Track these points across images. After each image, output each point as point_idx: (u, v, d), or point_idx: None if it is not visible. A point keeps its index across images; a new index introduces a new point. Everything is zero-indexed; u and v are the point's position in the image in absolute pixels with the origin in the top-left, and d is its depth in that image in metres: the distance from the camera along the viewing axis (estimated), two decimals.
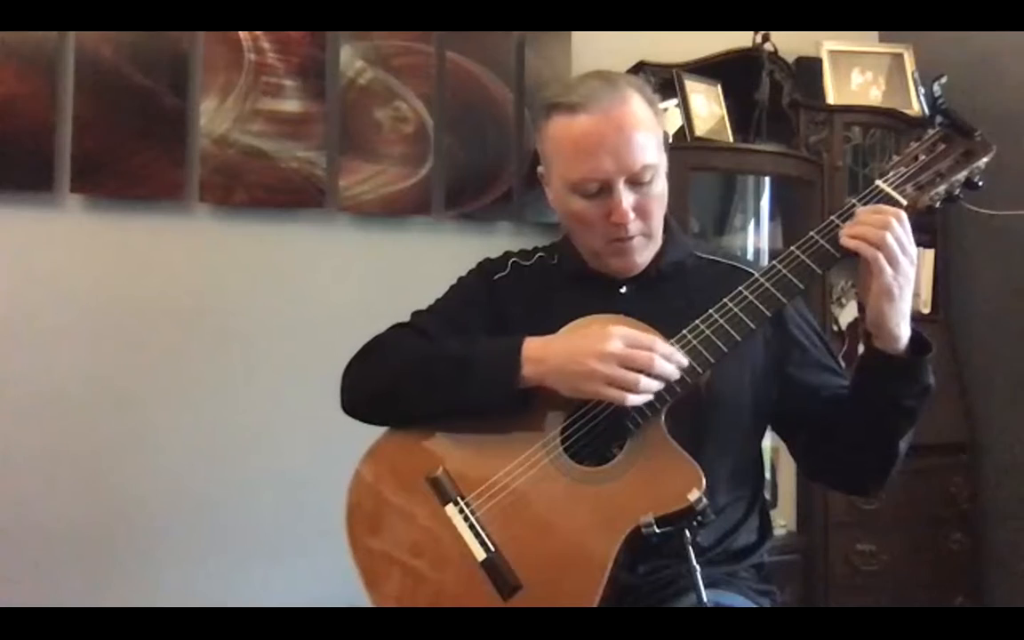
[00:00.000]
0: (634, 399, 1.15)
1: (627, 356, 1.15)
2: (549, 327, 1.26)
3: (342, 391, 1.36)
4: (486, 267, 1.44)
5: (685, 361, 1.17)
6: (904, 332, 1.18)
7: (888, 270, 1.14)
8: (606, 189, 1.26)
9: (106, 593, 2.05)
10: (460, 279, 1.46)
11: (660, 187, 1.30)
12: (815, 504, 2.48)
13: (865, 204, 1.20)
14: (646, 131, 1.27)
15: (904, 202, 1.19)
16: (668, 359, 1.16)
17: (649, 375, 1.15)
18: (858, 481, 1.37)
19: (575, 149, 1.27)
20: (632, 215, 1.27)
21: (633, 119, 1.26)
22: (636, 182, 1.26)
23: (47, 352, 2.04)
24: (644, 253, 1.32)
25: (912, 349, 1.19)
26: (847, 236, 1.17)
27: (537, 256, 1.44)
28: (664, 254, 1.36)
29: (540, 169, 1.38)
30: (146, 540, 2.12)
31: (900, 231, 1.15)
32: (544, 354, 1.21)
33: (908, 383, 1.20)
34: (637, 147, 1.25)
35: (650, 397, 1.16)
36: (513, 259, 1.43)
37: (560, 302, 1.33)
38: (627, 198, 1.26)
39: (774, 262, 1.22)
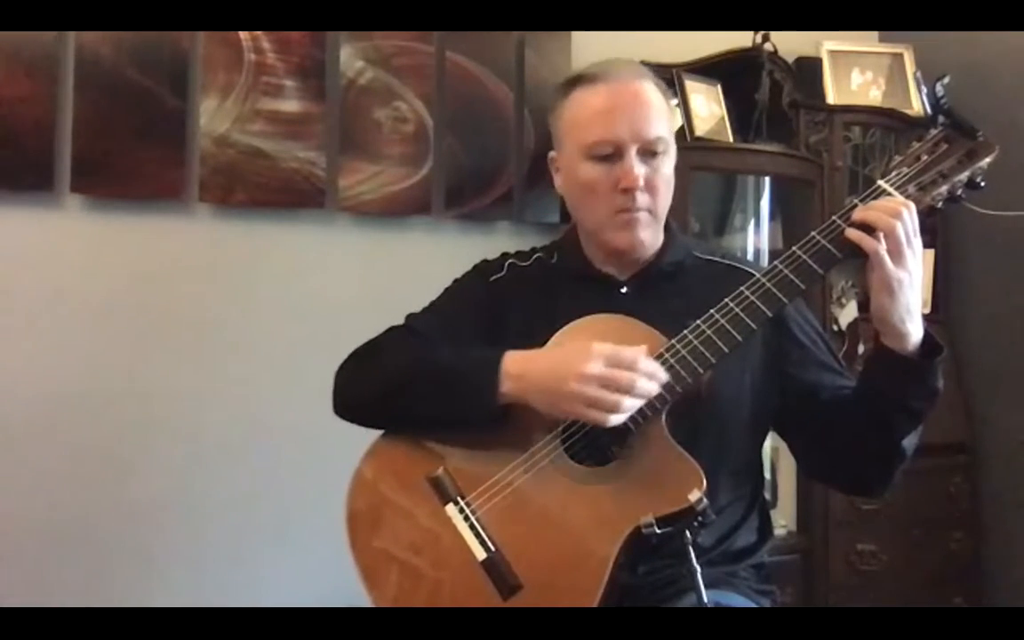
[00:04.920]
0: (615, 420, 1.14)
1: (608, 377, 1.14)
2: (550, 327, 1.25)
3: (334, 394, 1.36)
4: (482, 269, 1.44)
5: (666, 378, 1.16)
6: (912, 330, 1.17)
7: (888, 263, 1.14)
8: (618, 155, 1.29)
9: (106, 593, 2.05)
10: (456, 281, 1.45)
11: (668, 169, 1.32)
12: (815, 504, 2.48)
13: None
14: (660, 109, 1.32)
15: None
16: (651, 377, 1.15)
17: (631, 395, 1.14)
18: (859, 481, 1.37)
19: (592, 113, 1.30)
20: (641, 183, 1.28)
21: (650, 92, 1.32)
22: (648, 152, 1.29)
23: (47, 352, 2.04)
24: (648, 231, 1.32)
25: (922, 351, 1.19)
26: (855, 221, 1.16)
27: (535, 257, 1.44)
28: (664, 254, 1.36)
29: (551, 154, 1.40)
30: (146, 540, 2.11)
31: (909, 222, 1.15)
32: (524, 370, 1.21)
33: (915, 384, 1.20)
34: (653, 117, 1.30)
35: (628, 415, 1.15)
36: (510, 261, 1.43)
37: (561, 302, 1.32)
38: (638, 166, 1.28)
39: (775, 262, 1.22)
